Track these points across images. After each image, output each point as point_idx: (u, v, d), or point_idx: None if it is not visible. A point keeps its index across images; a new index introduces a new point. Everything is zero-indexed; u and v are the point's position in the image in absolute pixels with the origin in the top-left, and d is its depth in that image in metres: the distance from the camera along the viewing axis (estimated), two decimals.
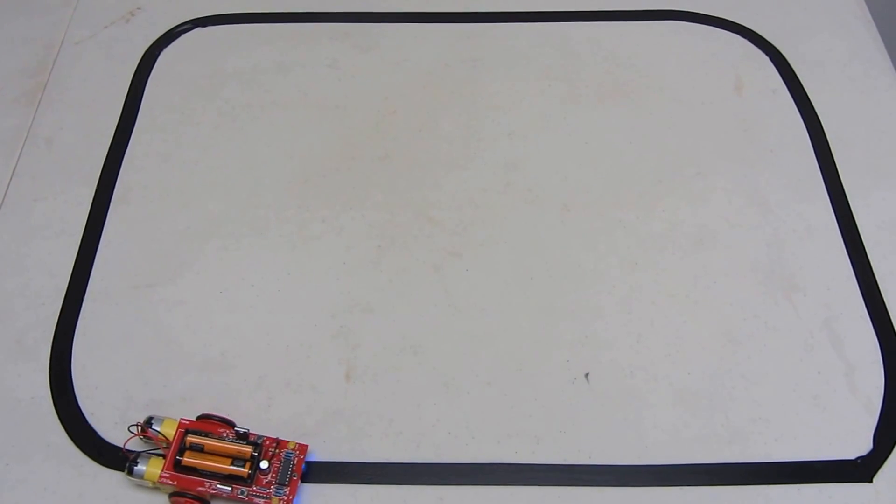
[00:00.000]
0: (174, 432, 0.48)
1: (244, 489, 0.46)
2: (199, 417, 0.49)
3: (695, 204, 0.60)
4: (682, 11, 0.72)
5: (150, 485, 0.47)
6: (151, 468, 0.47)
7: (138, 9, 0.73)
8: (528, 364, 0.53)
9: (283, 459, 0.47)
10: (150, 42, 0.70)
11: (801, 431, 0.50)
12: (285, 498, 0.46)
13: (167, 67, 0.69)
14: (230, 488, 0.46)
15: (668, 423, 0.50)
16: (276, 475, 0.47)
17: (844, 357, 0.53)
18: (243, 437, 0.48)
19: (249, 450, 0.47)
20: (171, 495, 0.47)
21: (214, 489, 0.46)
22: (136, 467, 0.47)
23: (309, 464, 0.49)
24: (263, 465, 0.47)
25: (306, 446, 0.48)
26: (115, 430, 0.50)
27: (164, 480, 0.46)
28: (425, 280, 0.56)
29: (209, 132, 0.64)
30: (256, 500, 0.47)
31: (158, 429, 0.48)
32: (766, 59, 0.69)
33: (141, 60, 0.69)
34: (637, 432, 0.50)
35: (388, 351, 0.53)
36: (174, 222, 0.59)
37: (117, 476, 0.48)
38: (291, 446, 0.48)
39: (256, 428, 0.49)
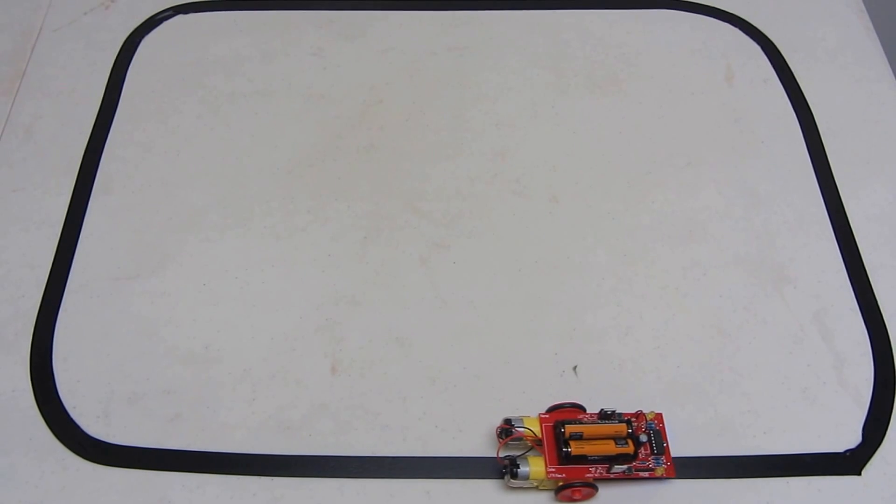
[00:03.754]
0: (538, 429, 0.47)
1: (628, 466, 0.46)
2: (549, 409, 0.49)
3: (684, 195, 0.60)
4: (673, 0, 0.72)
5: (534, 485, 0.47)
6: (535, 467, 0.46)
7: None
8: (516, 357, 0.53)
9: (649, 430, 0.47)
10: (131, 29, 0.69)
11: (791, 424, 0.50)
12: (667, 465, 0.47)
13: (148, 55, 0.68)
14: (626, 467, 0.46)
15: None
16: (649, 447, 0.47)
17: (834, 349, 0.53)
18: (607, 416, 0.48)
19: (625, 427, 0.47)
20: (560, 489, 0.46)
21: (601, 474, 0.46)
22: (519, 469, 0.46)
23: (295, 457, 0.49)
24: (643, 438, 0.47)
25: (661, 414, 0.48)
26: (96, 423, 0.50)
27: (553, 475, 0.46)
28: (412, 272, 0.56)
29: (191, 121, 0.64)
30: (641, 474, 0.47)
31: (523, 427, 0.47)
32: (758, 48, 0.69)
33: (121, 48, 0.68)
34: None
35: (375, 344, 0.53)
36: (156, 213, 0.59)
37: (99, 469, 0.48)
38: (651, 416, 0.48)
39: (240, 422, 0.49)
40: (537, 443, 0.47)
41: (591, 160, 0.62)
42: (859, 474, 0.49)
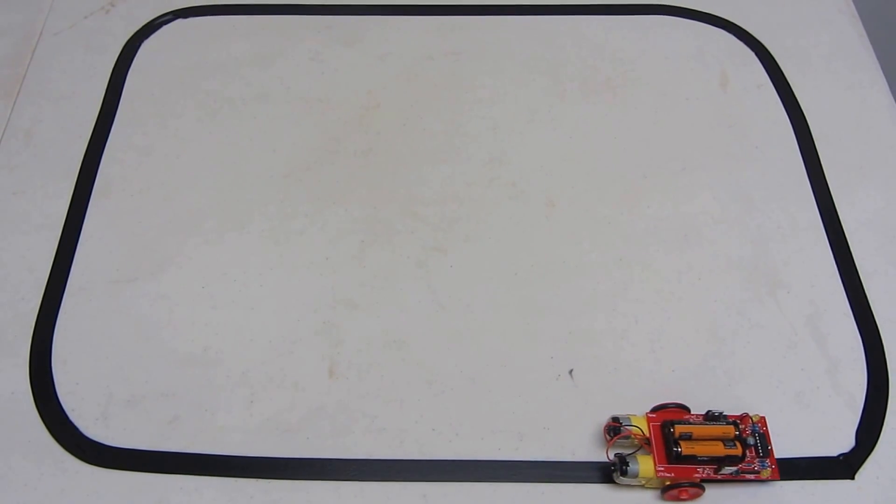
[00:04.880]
0: (646, 428, 0.48)
1: (734, 468, 0.47)
2: (654, 409, 0.49)
3: (679, 200, 0.60)
4: (668, 6, 0.72)
5: (642, 483, 0.47)
6: (644, 465, 0.46)
7: None
8: (512, 360, 0.53)
9: (754, 433, 0.48)
10: (131, 33, 0.70)
11: (784, 428, 0.50)
12: (772, 468, 0.47)
13: (147, 59, 0.68)
14: (735, 469, 0.47)
15: None
16: (755, 449, 0.47)
17: (827, 354, 0.53)
18: (714, 418, 0.48)
19: (732, 429, 0.47)
20: (667, 489, 0.47)
21: (708, 474, 0.47)
22: (629, 467, 0.46)
23: (292, 460, 0.49)
24: (750, 441, 0.47)
25: (765, 417, 0.49)
26: (95, 425, 0.50)
27: (662, 474, 0.46)
28: (409, 276, 0.56)
29: (190, 125, 0.64)
30: (748, 476, 0.47)
31: (631, 425, 0.48)
32: (752, 54, 0.69)
33: (121, 52, 0.68)
34: None
35: (372, 347, 0.53)
36: (155, 216, 0.59)
37: (98, 472, 0.48)
38: (755, 419, 0.48)
39: (238, 424, 0.50)
40: (645, 442, 0.48)
41: (587, 165, 0.62)
42: (853, 478, 0.49)
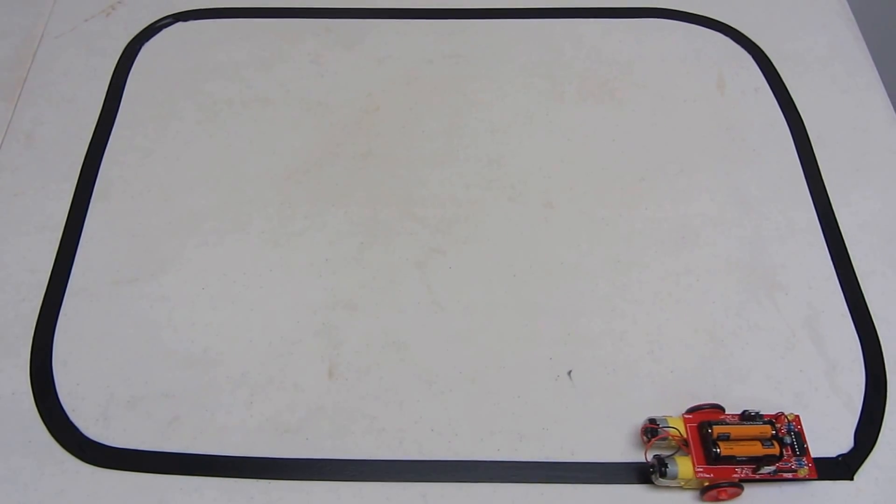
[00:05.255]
0: (683, 429, 0.48)
1: (773, 467, 0.47)
2: (690, 410, 0.49)
3: (677, 202, 0.60)
4: (666, 9, 0.73)
5: (680, 484, 0.47)
6: (682, 466, 0.47)
7: (119, 2, 0.72)
8: (511, 361, 0.53)
9: (790, 432, 0.48)
10: (131, 36, 0.70)
11: None
12: (809, 466, 0.47)
13: (148, 62, 0.68)
14: (773, 468, 0.47)
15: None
16: (791, 448, 0.48)
17: (826, 355, 0.53)
18: (750, 417, 0.48)
19: (770, 428, 0.47)
20: (706, 489, 0.47)
21: (746, 474, 0.47)
22: (668, 469, 0.47)
23: (292, 461, 0.49)
24: (787, 440, 0.48)
25: (799, 416, 0.49)
26: (96, 426, 0.50)
27: (702, 475, 0.47)
28: (408, 277, 0.56)
29: (191, 127, 0.64)
30: (785, 475, 0.47)
31: (669, 426, 0.48)
32: (749, 57, 0.69)
33: (122, 55, 0.69)
34: (619, 429, 0.51)
35: (371, 348, 0.53)
36: (156, 218, 0.59)
37: (98, 472, 0.49)
38: (791, 417, 0.49)
39: (238, 425, 0.50)
40: (683, 443, 0.48)
41: (585, 167, 0.62)
42: (852, 479, 0.49)
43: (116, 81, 0.67)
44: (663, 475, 0.47)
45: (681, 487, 0.48)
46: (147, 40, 0.70)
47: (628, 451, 0.50)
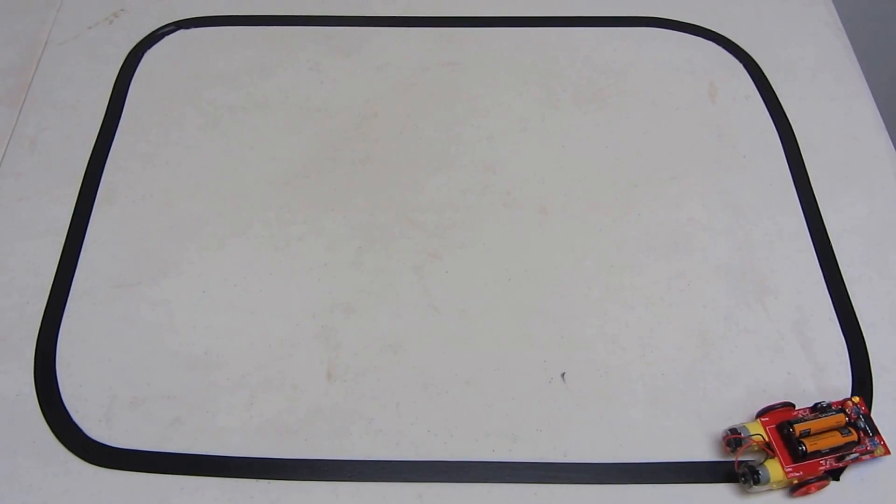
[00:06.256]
0: (763, 433, 0.49)
1: (854, 453, 0.48)
2: (761, 412, 0.50)
3: (669, 207, 0.61)
4: (659, 18, 0.73)
5: (773, 487, 0.48)
6: (772, 469, 0.47)
7: (122, 10, 0.73)
8: (506, 364, 0.53)
9: (859, 416, 0.49)
10: (134, 43, 0.70)
11: None
12: (882, 444, 0.49)
13: (150, 69, 0.69)
14: (856, 454, 0.48)
15: (643, 422, 0.51)
16: (864, 431, 0.49)
17: (813, 358, 0.54)
18: (822, 409, 0.50)
19: (843, 417, 0.49)
20: (797, 487, 0.48)
21: (830, 464, 0.48)
22: (761, 475, 0.47)
23: (291, 461, 0.50)
24: (860, 424, 0.49)
25: (862, 398, 0.50)
26: (98, 427, 0.50)
27: (792, 474, 0.47)
28: (405, 281, 0.57)
29: (192, 133, 0.64)
30: (864, 457, 0.49)
31: (750, 434, 0.49)
32: (740, 65, 0.70)
33: (124, 62, 0.69)
34: (612, 431, 0.51)
35: (369, 350, 0.54)
36: (158, 222, 0.59)
37: (101, 472, 0.49)
38: (856, 400, 0.50)
39: (238, 426, 0.50)
40: (766, 446, 0.49)
41: (579, 173, 0.63)
42: (838, 480, 0.49)
43: (119, 88, 0.67)
44: (757, 482, 0.47)
45: (770, 490, 0.48)
46: (149, 47, 0.70)
47: (621, 452, 0.50)
